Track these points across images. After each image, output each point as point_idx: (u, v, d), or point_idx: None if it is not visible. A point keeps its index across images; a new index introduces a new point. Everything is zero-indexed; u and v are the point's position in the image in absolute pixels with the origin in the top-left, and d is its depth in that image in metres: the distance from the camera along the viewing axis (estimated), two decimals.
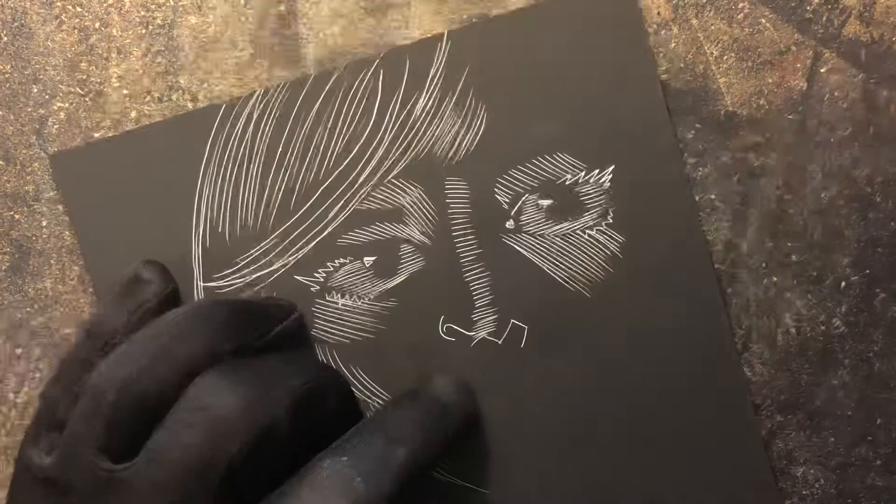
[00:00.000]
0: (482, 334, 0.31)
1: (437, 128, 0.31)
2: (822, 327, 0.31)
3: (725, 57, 0.31)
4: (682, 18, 0.31)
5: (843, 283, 0.31)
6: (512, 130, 0.31)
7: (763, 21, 0.31)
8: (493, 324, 0.31)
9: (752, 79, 0.31)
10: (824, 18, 0.31)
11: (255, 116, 0.31)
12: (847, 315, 0.31)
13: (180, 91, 0.32)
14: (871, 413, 0.31)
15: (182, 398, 0.25)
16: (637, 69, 0.30)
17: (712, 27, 0.31)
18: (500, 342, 0.31)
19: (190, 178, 0.31)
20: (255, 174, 0.31)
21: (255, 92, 0.31)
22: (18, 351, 0.32)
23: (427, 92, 0.31)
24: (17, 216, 0.32)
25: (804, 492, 0.31)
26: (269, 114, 0.31)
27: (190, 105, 0.32)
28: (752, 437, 0.30)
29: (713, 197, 0.31)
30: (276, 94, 0.31)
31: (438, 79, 0.31)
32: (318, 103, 0.31)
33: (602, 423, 0.31)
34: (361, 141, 0.31)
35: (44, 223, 0.32)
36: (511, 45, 0.31)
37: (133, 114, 0.32)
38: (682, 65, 0.31)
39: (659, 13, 0.31)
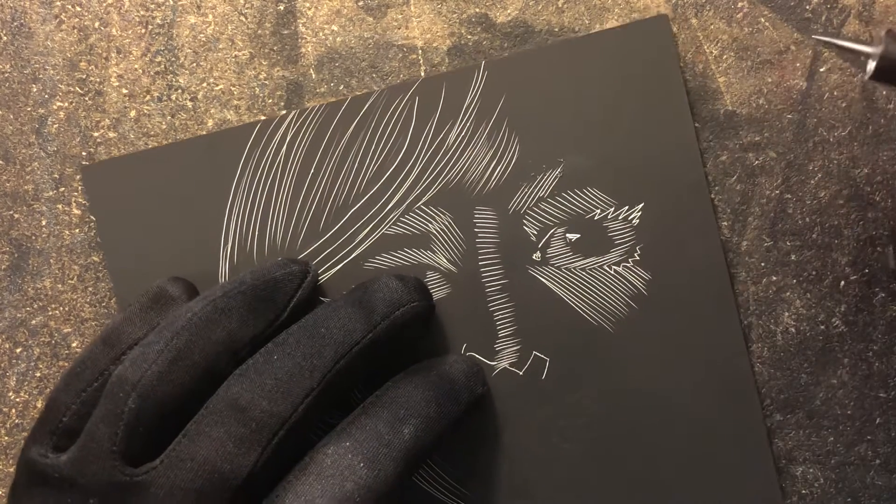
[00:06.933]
0: (504, 364, 0.31)
1: (470, 156, 0.31)
2: (822, 326, 0.31)
3: (725, 56, 0.31)
4: (682, 18, 0.31)
5: (843, 283, 0.31)
6: (544, 163, 0.31)
7: (762, 20, 0.31)
8: (515, 354, 0.31)
9: (751, 78, 0.31)
10: (823, 18, 0.31)
11: (289, 136, 0.31)
12: (846, 314, 0.31)
13: (180, 90, 0.32)
14: (870, 412, 0.31)
15: (204, 409, 0.25)
16: (671, 108, 0.30)
17: (711, 26, 0.31)
18: (521, 373, 0.31)
19: (221, 194, 0.31)
20: (286, 194, 0.31)
21: (291, 112, 0.31)
22: (18, 351, 0.32)
23: (461, 120, 0.31)
24: (16, 216, 0.32)
25: (804, 491, 0.31)
26: (304, 134, 0.31)
27: (189, 104, 0.32)
28: (770, 480, 0.30)
29: (713, 196, 0.31)
30: (311, 115, 0.31)
31: (474, 108, 0.31)
32: (353, 126, 0.31)
33: (620, 458, 0.30)
34: (393, 166, 0.31)
35: (43, 223, 0.32)
36: (547, 77, 0.31)
37: (132, 113, 0.32)
38: (681, 64, 0.31)
39: (658, 13, 0.31)
